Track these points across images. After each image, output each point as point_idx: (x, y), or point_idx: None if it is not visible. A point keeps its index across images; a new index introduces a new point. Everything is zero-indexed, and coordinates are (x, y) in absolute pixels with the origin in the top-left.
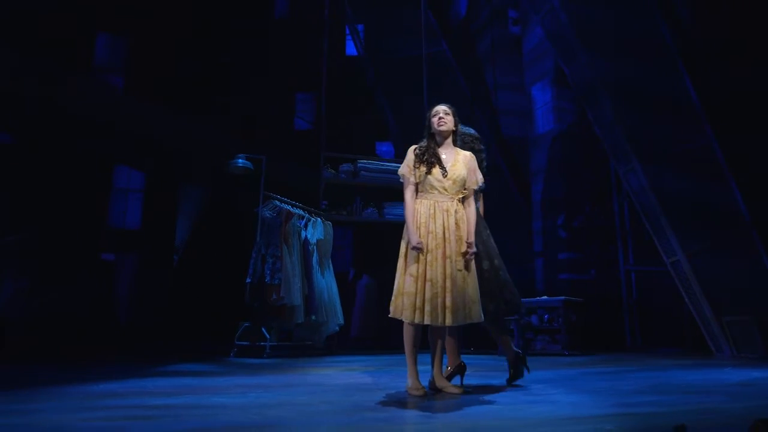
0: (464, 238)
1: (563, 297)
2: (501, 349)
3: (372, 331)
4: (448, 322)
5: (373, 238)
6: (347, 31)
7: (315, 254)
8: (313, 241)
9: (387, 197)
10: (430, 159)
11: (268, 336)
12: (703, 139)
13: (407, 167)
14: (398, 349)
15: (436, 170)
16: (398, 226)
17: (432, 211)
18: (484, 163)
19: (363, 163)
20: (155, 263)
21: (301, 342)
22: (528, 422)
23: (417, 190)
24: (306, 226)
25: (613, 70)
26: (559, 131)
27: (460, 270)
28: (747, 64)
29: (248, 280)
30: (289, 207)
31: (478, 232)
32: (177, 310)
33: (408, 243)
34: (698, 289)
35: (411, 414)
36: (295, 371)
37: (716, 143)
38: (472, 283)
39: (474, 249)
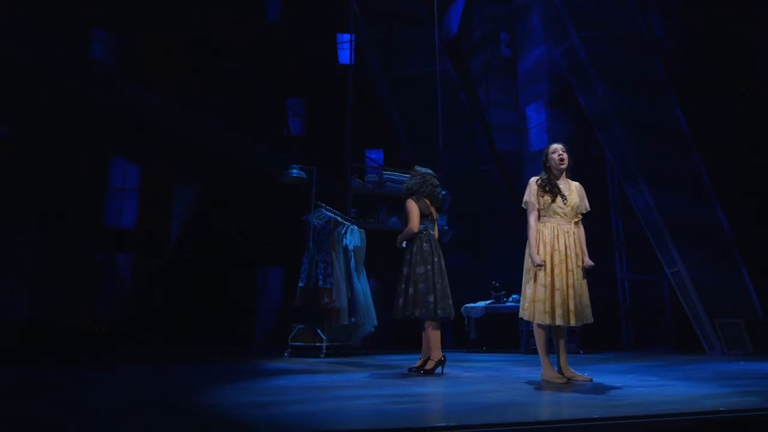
0: (580, 254)
1: None
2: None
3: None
4: (572, 323)
5: (373, 243)
6: (339, 40)
7: (352, 260)
8: (351, 247)
9: None
10: (553, 189)
11: (324, 337)
12: (694, 166)
13: (533, 196)
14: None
15: (559, 199)
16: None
17: (556, 233)
18: (440, 196)
19: (388, 174)
20: (151, 262)
21: (343, 343)
22: (685, 398)
23: (540, 215)
24: (345, 233)
25: (625, 102)
26: None
27: (579, 280)
28: (727, 100)
29: (301, 284)
30: (335, 215)
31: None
32: (177, 311)
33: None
34: (695, 295)
35: (597, 397)
36: (401, 367)
37: (703, 170)
38: (585, 291)
39: (592, 263)
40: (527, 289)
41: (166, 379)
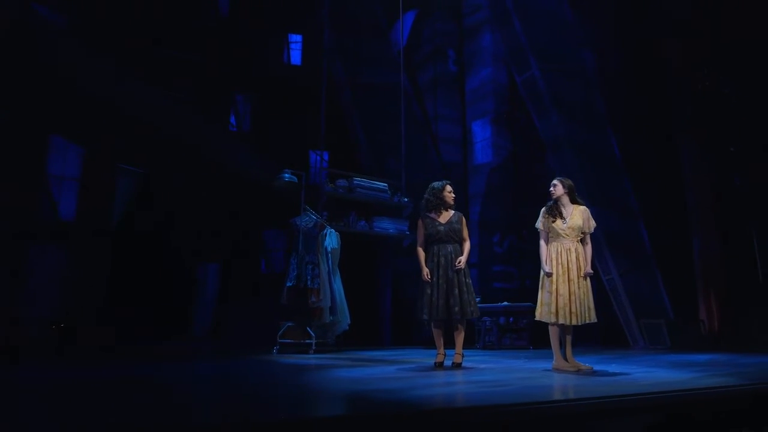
0: (582, 266)
1: (529, 303)
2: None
3: None
4: (573, 322)
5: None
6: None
7: (330, 260)
8: (329, 249)
9: (375, 212)
10: (553, 212)
11: (313, 335)
12: (624, 188)
13: (541, 223)
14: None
15: (559, 221)
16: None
17: (559, 250)
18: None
19: (358, 180)
20: (90, 255)
21: (322, 340)
22: (683, 380)
23: (549, 236)
24: (326, 235)
25: (573, 129)
26: (497, 164)
27: (579, 288)
28: (649, 132)
29: (289, 284)
30: (318, 218)
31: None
32: (115, 306)
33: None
34: (625, 299)
35: (623, 378)
36: (412, 362)
37: (631, 193)
38: (588, 296)
39: (591, 272)
40: (539, 295)
41: (240, 370)
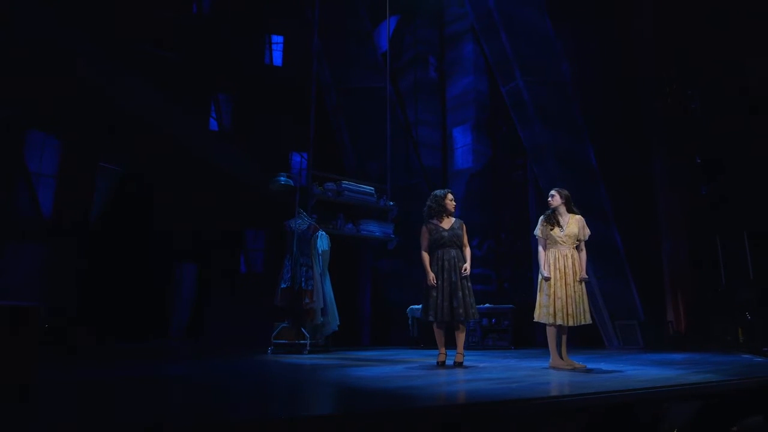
0: (578, 271)
1: (511, 305)
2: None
3: None
4: (569, 323)
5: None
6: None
7: (321, 262)
8: (320, 251)
9: (361, 215)
10: (551, 221)
11: (308, 335)
12: (600, 196)
13: (540, 230)
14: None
15: (556, 229)
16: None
17: (557, 256)
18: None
19: (346, 184)
20: (67, 254)
21: (315, 341)
22: (671, 377)
23: (547, 243)
24: (317, 238)
25: (557, 139)
26: (477, 169)
27: (575, 291)
28: (623, 140)
29: (283, 285)
30: (311, 221)
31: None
32: (92, 305)
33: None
34: (601, 302)
35: (617, 375)
36: (411, 361)
37: (607, 200)
38: (584, 299)
39: (586, 277)
40: (537, 297)
41: (264, 368)
